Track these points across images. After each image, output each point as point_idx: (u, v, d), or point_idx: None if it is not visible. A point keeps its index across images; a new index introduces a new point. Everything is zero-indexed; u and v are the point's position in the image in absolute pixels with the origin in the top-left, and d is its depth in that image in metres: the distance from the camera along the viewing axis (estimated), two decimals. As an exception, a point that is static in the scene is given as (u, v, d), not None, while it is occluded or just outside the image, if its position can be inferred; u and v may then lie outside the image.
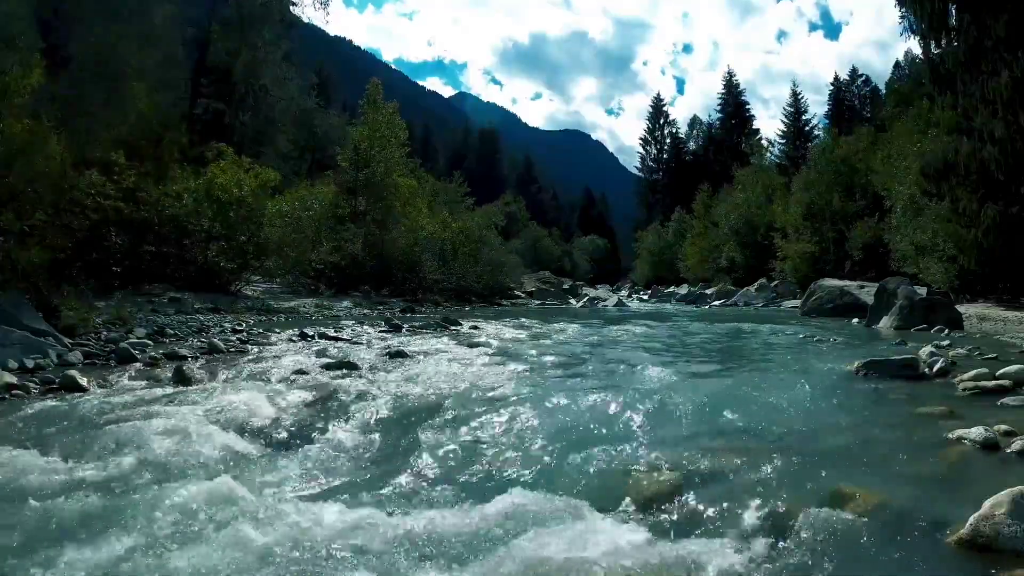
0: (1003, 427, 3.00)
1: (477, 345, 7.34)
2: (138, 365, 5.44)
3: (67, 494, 2.53)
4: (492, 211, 26.38)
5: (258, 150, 24.61)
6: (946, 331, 8.53)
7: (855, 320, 11.45)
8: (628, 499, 2.49)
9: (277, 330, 8.53)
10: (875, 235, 21.53)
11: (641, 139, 62.87)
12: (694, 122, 62.17)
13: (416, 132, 46.13)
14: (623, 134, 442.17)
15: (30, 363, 5.00)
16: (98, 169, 10.38)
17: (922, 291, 11.10)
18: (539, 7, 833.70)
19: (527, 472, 2.82)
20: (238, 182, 13.03)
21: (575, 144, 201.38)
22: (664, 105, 63.93)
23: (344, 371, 5.30)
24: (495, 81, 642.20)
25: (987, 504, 2.02)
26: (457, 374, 5.17)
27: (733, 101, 57.81)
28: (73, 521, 2.28)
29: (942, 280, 14.39)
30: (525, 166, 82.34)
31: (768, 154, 39.10)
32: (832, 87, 47.50)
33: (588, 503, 2.45)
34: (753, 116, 58.30)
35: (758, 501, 2.35)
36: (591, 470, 2.79)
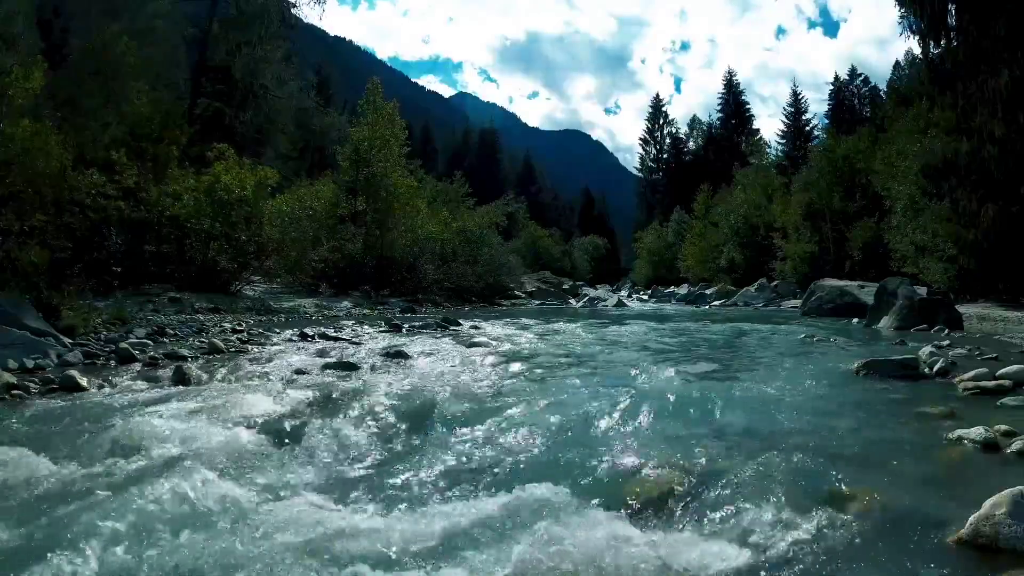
0: (1003, 427, 3.01)
1: (477, 345, 7.33)
2: (138, 365, 5.45)
3: (67, 494, 2.53)
4: (492, 211, 26.34)
5: (258, 150, 24.58)
6: (946, 331, 8.53)
7: (855, 320, 11.44)
8: (628, 498, 2.50)
9: (277, 330, 8.53)
10: (875, 235, 21.52)
11: (641, 139, 62.83)
12: (694, 122, 62.09)
13: (416, 132, 46.11)
14: (621, 133, 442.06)
15: (30, 363, 5.00)
16: (98, 169, 10.37)
17: (922, 291, 11.09)
18: (534, 4, 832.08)
19: (526, 472, 2.82)
20: (240, 181, 13.04)
21: (575, 144, 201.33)
22: (663, 105, 63.88)
23: (344, 371, 5.30)
24: (490, 79, 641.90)
25: (987, 504, 2.02)
26: (457, 374, 5.17)
27: (733, 101, 57.71)
28: (73, 521, 2.28)
29: (942, 280, 14.37)
30: (525, 166, 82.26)
31: (769, 153, 39.07)
32: (832, 87, 47.43)
33: (588, 502, 2.45)
34: (753, 116, 58.22)
35: (758, 501, 2.35)
36: (591, 470, 2.79)
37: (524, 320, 11.98)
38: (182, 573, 1.95)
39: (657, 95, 65.17)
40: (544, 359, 6.24)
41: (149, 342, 6.59)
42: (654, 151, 61.96)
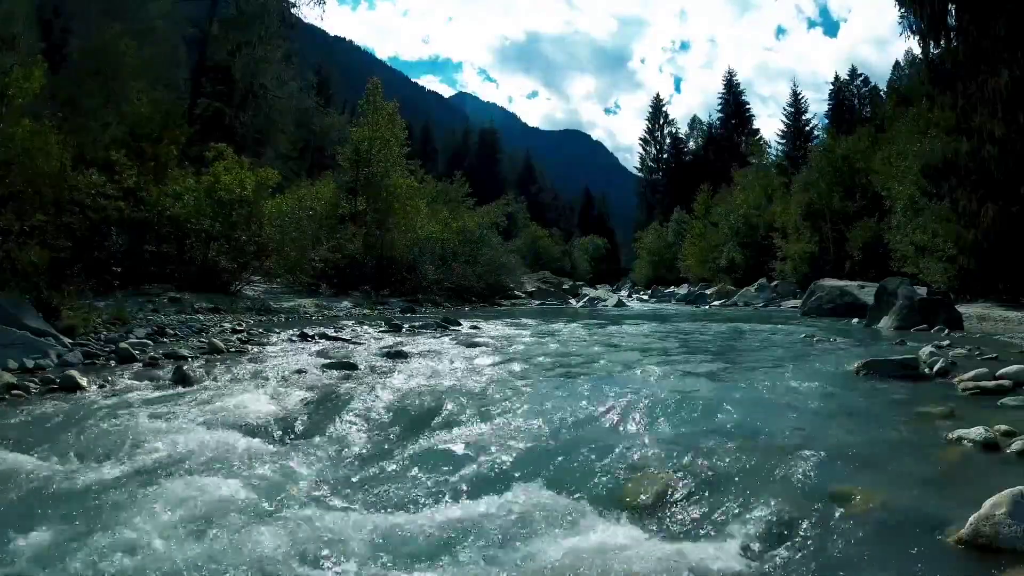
0: (1003, 427, 3.00)
1: (477, 345, 7.34)
2: (138, 365, 5.45)
3: (67, 494, 2.53)
4: (492, 211, 26.34)
5: (258, 150, 24.58)
6: (946, 331, 8.52)
7: (855, 320, 11.44)
8: (627, 499, 2.49)
9: (277, 330, 8.54)
10: (875, 235, 21.51)
11: (641, 139, 62.77)
12: (694, 122, 62.05)
13: (416, 132, 46.10)
14: (621, 133, 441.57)
15: (30, 363, 5.00)
16: (98, 169, 10.38)
17: (922, 291, 11.08)
18: (534, 4, 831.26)
19: (525, 472, 2.82)
20: (240, 181, 13.04)
21: (575, 144, 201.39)
22: (664, 105, 63.84)
23: (344, 371, 5.30)
24: (490, 79, 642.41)
25: (987, 504, 2.02)
26: (456, 374, 5.17)
27: (733, 101, 57.68)
28: (73, 521, 2.28)
29: (942, 280, 14.36)
30: (525, 166, 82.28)
31: (769, 153, 39.02)
32: (832, 87, 47.39)
33: (587, 503, 2.45)
34: (753, 116, 58.15)
35: (758, 501, 2.35)
36: (590, 470, 2.79)
37: (524, 320, 11.98)
38: (180, 571, 1.95)
39: (657, 95, 65.21)
40: (543, 359, 6.23)
41: (149, 342, 6.59)
42: (654, 151, 61.94)
